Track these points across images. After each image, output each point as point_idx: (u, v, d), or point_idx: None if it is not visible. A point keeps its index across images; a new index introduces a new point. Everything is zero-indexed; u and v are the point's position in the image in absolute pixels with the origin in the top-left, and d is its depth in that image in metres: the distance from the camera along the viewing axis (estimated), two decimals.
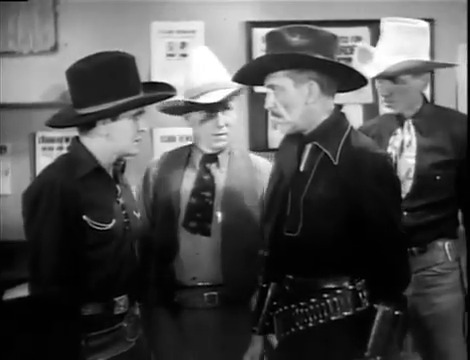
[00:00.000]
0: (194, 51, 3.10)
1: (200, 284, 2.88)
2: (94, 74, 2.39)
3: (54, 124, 2.54)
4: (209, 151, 2.94)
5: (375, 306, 2.34)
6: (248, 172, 2.99)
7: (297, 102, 2.41)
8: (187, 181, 2.93)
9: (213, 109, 2.87)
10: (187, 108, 2.93)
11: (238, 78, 2.56)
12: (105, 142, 2.45)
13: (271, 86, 2.44)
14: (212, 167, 2.95)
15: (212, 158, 2.95)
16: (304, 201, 2.40)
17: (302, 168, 2.46)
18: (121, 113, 2.42)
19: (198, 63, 2.96)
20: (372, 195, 2.34)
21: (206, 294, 2.88)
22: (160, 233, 2.92)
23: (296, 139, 2.50)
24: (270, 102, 2.45)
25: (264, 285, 2.65)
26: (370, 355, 2.30)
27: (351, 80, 2.46)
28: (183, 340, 2.92)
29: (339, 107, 2.48)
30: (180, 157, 3.01)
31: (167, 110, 2.99)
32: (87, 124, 2.43)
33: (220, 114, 2.87)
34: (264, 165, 3.02)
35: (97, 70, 2.39)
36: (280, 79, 2.41)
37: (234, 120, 2.93)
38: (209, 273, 2.89)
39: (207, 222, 2.89)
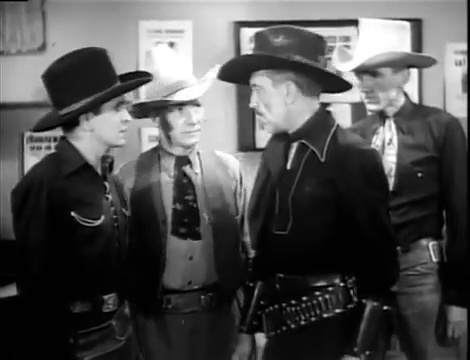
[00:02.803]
0: (157, 50, 3.07)
1: (196, 287, 2.88)
2: (68, 73, 2.40)
3: (39, 128, 2.55)
4: (179, 153, 2.93)
5: (364, 301, 2.35)
6: (220, 169, 3.00)
7: (276, 102, 2.42)
8: (166, 187, 2.91)
9: (185, 107, 2.86)
10: (156, 109, 2.91)
11: (222, 76, 2.57)
12: (91, 138, 2.46)
13: (253, 85, 2.46)
14: (187, 169, 2.94)
15: (185, 160, 2.94)
16: (292, 199, 2.41)
17: (289, 166, 2.47)
18: (101, 104, 2.42)
19: (164, 62, 2.94)
20: (359, 192, 2.35)
21: (203, 297, 2.88)
22: (147, 243, 2.87)
23: (283, 138, 2.50)
24: (253, 101, 2.48)
25: (251, 284, 2.65)
26: (359, 350, 2.32)
27: (334, 82, 2.46)
28: (176, 344, 2.90)
29: (324, 106, 2.49)
30: (151, 163, 2.98)
31: (135, 113, 2.93)
32: (71, 123, 2.44)
33: (192, 111, 2.87)
34: (231, 161, 3.06)
35: (70, 69, 2.40)
36: (260, 78, 2.44)
37: (203, 117, 2.92)
38: (204, 275, 2.89)
39: (196, 226, 2.89)
